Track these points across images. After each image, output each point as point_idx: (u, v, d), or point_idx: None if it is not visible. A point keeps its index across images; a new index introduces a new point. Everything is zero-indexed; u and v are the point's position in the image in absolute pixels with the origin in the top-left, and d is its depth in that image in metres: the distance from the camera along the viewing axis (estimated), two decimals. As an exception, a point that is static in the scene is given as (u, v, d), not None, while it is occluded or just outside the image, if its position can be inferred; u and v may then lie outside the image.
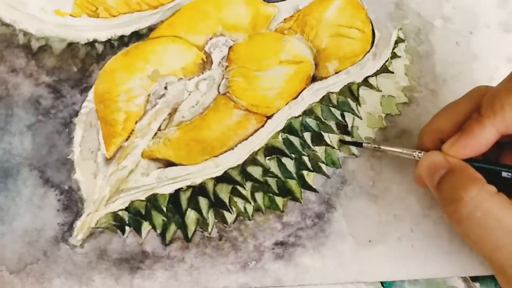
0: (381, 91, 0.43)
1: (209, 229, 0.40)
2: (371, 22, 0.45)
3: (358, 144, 0.41)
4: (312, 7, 0.45)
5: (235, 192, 0.40)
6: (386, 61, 0.44)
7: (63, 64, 0.43)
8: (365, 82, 0.43)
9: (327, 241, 0.40)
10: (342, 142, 0.42)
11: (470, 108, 0.36)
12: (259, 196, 0.40)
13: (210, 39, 0.44)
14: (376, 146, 0.40)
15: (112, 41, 0.43)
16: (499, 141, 0.36)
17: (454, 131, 0.36)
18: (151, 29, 0.44)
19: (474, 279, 0.40)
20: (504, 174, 0.35)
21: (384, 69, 0.43)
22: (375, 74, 0.43)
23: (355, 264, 0.40)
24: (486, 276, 0.40)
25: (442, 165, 0.35)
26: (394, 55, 0.44)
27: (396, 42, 0.44)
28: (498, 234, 0.32)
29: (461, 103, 0.37)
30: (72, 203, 0.40)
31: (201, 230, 0.40)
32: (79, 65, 0.43)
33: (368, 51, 0.44)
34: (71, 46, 0.43)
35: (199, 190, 0.39)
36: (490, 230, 0.32)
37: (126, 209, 0.39)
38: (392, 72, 0.44)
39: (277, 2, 0.45)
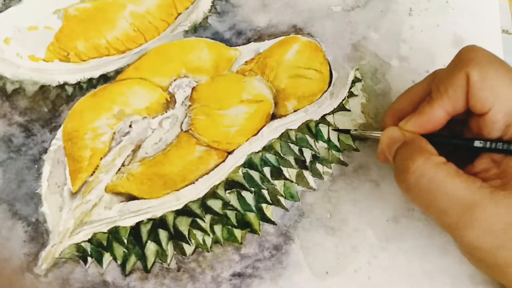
0: (338, 128, 0.45)
1: (168, 261, 0.41)
2: (328, 63, 0.47)
3: (346, 131, 0.44)
4: (272, 50, 0.47)
5: (194, 225, 0.41)
6: (343, 100, 0.45)
7: (35, 105, 0.46)
8: (323, 119, 0.45)
9: (285, 272, 0.41)
10: (334, 130, 0.45)
11: (426, 90, 0.39)
12: (218, 228, 0.41)
13: (174, 80, 0.46)
14: (361, 133, 0.43)
15: (81, 84, 0.46)
16: (460, 118, 0.38)
17: (411, 111, 0.39)
18: (118, 72, 0.46)
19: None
20: (476, 143, 0.36)
21: (341, 107, 0.45)
22: (332, 112, 0.45)
23: (312, 295, 0.40)
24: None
25: (399, 138, 0.38)
26: (351, 94, 0.46)
27: (353, 82, 0.46)
28: (442, 200, 0.34)
29: (418, 86, 0.40)
30: (38, 235, 0.41)
31: (160, 261, 0.41)
32: (50, 106, 0.46)
33: (326, 91, 0.46)
34: (43, 88, 0.46)
35: (159, 222, 0.41)
36: (434, 196, 0.34)
37: (89, 240, 0.41)
38: (349, 110, 0.45)
39: (239, 45, 0.48)
